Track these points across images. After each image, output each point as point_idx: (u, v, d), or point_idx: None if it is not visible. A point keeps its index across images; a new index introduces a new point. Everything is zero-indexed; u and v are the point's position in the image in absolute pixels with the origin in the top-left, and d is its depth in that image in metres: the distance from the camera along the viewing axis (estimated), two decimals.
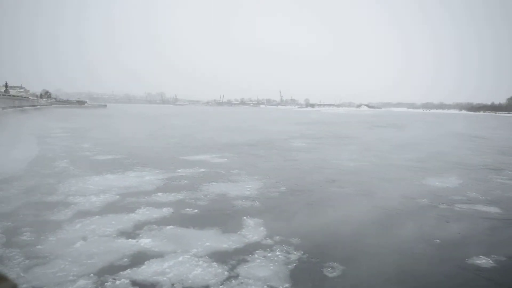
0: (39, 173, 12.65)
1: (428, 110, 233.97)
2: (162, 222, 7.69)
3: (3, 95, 62.90)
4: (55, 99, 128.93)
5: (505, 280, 5.69)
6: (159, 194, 9.94)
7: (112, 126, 40.02)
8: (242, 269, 5.64)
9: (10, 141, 21.41)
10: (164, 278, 5.29)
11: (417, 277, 5.65)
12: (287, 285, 5.22)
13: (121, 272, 5.44)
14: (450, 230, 7.78)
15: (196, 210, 8.61)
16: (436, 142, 28.12)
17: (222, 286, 5.16)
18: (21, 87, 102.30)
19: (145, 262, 5.76)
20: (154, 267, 5.62)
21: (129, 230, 7.21)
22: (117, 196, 9.67)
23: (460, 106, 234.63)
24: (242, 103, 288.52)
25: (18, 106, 66.42)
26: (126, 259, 5.90)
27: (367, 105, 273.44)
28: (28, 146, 19.33)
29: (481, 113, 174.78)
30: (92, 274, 5.35)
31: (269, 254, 6.18)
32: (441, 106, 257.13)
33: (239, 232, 7.21)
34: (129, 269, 5.55)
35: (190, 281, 5.24)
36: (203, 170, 13.71)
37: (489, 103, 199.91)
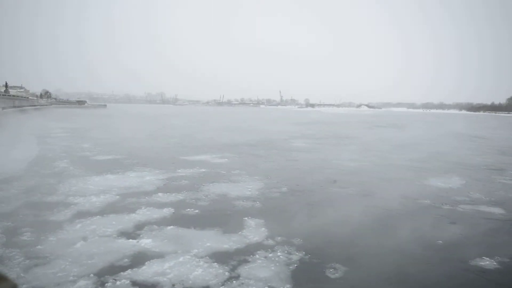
0: (39, 173, 12.63)
1: (428, 110, 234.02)
2: (163, 222, 7.67)
3: (3, 95, 62.81)
4: (55, 99, 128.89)
5: (508, 282, 5.66)
6: (160, 194, 9.91)
7: (112, 126, 39.99)
8: (243, 270, 5.62)
9: (10, 141, 21.38)
10: (165, 279, 5.27)
11: (418, 278, 5.62)
12: (288, 285, 5.20)
13: (121, 273, 5.43)
14: (452, 231, 7.75)
15: (196, 211, 8.59)
16: (436, 142, 28.10)
17: (223, 286, 5.14)
18: (21, 87, 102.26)
19: (146, 263, 5.74)
20: (155, 268, 5.60)
21: (130, 230, 7.19)
22: (118, 196, 9.65)
23: (460, 106, 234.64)
24: (242, 103, 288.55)
25: (18, 106, 66.34)
26: (126, 260, 5.88)
27: (367, 105, 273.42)
28: (28, 146, 19.30)
29: (481, 113, 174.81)
30: (92, 275, 5.33)
31: (270, 255, 6.16)
32: (441, 106, 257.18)
33: (240, 232, 7.19)
34: (129, 269, 5.53)
35: (190, 282, 5.22)
36: (203, 170, 13.69)
37: (489, 103, 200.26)
